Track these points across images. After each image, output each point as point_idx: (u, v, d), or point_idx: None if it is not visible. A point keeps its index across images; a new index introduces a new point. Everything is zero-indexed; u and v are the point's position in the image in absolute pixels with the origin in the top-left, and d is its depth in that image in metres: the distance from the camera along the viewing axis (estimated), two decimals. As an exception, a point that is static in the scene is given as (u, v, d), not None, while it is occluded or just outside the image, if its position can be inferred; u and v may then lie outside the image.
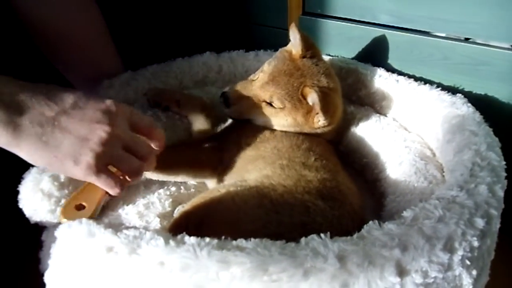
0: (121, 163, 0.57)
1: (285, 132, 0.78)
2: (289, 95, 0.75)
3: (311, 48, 0.79)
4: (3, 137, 0.51)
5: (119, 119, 0.56)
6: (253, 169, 0.69)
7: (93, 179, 0.56)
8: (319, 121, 0.75)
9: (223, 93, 0.79)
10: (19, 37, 0.87)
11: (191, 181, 0.80)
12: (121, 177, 0.59)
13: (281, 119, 0.77)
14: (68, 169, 0.54)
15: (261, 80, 0.77)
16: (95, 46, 0.94)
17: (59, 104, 0.53)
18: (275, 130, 0.78)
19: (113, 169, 0.58)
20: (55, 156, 0.53)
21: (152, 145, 0.64)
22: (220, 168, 0.76)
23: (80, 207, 0.57)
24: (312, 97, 0.73)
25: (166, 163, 0.73)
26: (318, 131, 0.78)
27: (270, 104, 0.76)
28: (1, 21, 0.85)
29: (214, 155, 0.77)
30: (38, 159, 0.53)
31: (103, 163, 0.55)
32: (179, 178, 0.78)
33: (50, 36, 0.88)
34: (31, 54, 0.89)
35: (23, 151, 0.52)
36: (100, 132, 0.54)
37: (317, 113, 0.75)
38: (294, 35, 0.79)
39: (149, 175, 0.74)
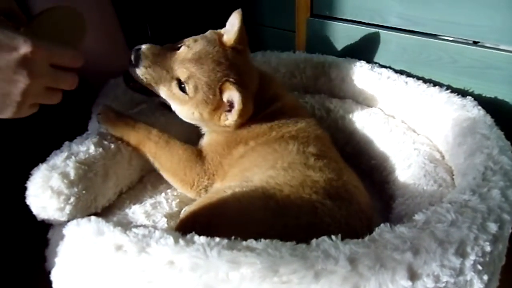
0: (44, 101, 0.59)
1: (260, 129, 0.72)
2: (207, 84, 0.68)
3: (243, 43, 0.74)
4: None
5: (37, 65, 0.55)
6: (253, 174, 0.66)
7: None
8: (227, 120, 0.70)
9: (138, 49, 0.70)
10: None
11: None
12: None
13: (187, 110, 0.71)
14: None
15: (183, 55, 0.69)
16: (107, 42, 0.94)
17: None
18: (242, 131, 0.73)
19: None
20: None
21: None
22: (200, 186, 0.73)
23: None
24: (232, 96, 0.67)
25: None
26: (221, 127, 0.72)
27: (181, 86, 0.69)
28: None
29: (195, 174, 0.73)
30: None
31: (27, 106, 0.57)
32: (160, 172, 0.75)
33: None
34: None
35: None
36: (20, 85, 0.54)
37: (227, 112, 0.69)
38: (233, 22, 0.72)
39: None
